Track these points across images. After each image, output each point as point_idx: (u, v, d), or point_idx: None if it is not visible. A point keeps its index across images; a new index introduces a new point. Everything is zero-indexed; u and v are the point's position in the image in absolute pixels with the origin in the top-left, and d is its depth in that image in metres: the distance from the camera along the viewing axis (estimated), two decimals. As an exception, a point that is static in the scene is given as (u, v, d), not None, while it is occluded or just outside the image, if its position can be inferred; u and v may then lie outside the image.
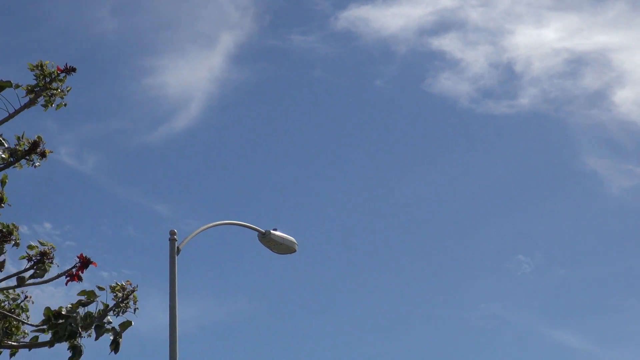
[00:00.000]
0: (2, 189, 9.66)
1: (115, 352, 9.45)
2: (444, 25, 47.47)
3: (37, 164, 9.23)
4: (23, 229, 9.75)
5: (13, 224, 9.68)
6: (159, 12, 47.72)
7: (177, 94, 47.00)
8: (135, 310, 9.53)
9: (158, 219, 44.22)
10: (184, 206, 45.75)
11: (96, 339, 9.45)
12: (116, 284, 9.71)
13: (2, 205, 9.67)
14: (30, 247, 9.51)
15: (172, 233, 18.95)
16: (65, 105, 9.13)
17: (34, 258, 9.56)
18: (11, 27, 45.85)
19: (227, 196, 46.54)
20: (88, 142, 45.31)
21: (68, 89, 9.09)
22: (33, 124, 9.33)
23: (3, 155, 9.27)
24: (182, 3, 48.10)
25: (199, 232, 19.58)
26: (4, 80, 8.89)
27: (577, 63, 47.32)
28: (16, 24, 45.93)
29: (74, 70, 9.01)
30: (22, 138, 9.21)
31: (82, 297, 9.64)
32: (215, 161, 47.63)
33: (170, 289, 18.48)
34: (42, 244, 9.56)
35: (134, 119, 47.02)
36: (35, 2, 46.51)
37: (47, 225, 40.23)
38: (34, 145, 9.17)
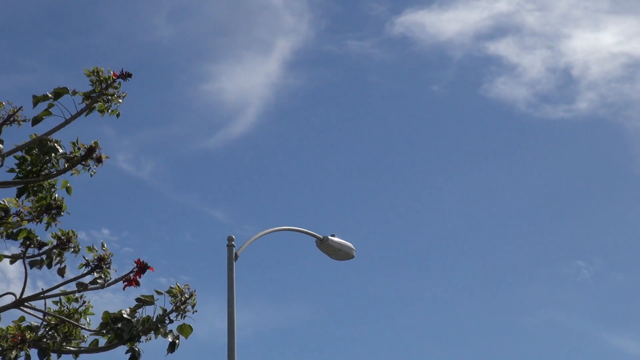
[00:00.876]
0: (61, 197, 9.74)
1: (171, 352, 9.48)
2: (500, 29, 47.30)
3: (93, 170, 9.28)
4: (81, 236, 9.84)
5: (72, 231, 9.77)
6: (214, 18, 47.99)
7: (234, 100, 47.20)
8: (194, 312, 9.54)
9: (215, 225, 44.41)
10: (241, 212, 45.92)
11: (155, 337, 9.48)
12: (176, 286, 9.76)
13: (62, 213, 9.75)
14: (89, 249, 9.58)
15: (230, 239, 19.00)
16: (118, 114, 9.18)
17: (91, 263, 9.63)
18: (67, 33, 46.39)
19: (284, 202, 46.62)
20: (145, 148, 45.66)
21: (124, 94, 9.14)
22: (90, 130, 9.41)
23: (62, 163, 9.35)
24: (238, 9, 48.35)
25: (257, 238, 19.62)
26: (61, 87, 8.97)
27: (635, 67, 46.85)
28: (72, 30, 46.47)
29: (129, 75, 9.06)
30: (77, 143, 9.27)
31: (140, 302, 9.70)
32: (272, 167, 47.75)
33: (228, 294, 18.52)
34: (102, 248, 9.63)
35: (191, 125, 47.30)
36: (91, 9, 47.00)
37: (105, 231, 40.54)
38: (90, 150, 9.22)
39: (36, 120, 9.04)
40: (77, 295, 9.80)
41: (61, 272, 9.76)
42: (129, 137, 44.79)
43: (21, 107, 9.08)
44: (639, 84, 47.14)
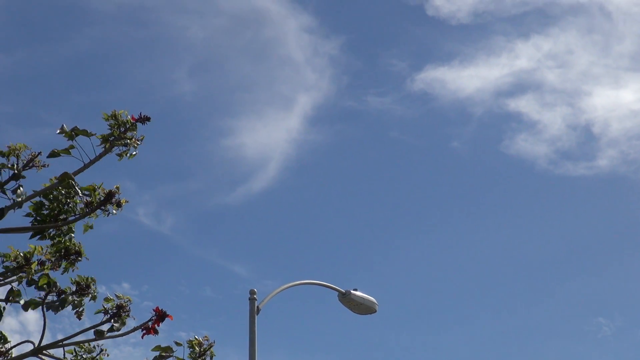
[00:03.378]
0: (80, 243, 9.64)
1: None
2: (520, 86, 47.31)
3: (113, 212, 9.18)
4: (102, 289, 9.72)
5: (91, 278, 9.66)
6: (236, 73, 48.22)
7: (255, 155, 47.28)
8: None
9: (236, 280, 44.28)
10: (262, 267, 45.78)
11: None
12: (194, 338, 9.60)
13: (80, 258, 9.65)
14: (107, 299, 9.45)
15: (252, 292, 18.84)
16: (134, 155, 9.09)
17: (110, 311, 9.51)
18: (89, 87, 46.67)
19: (305, 257, 46.49)
20: (166, 203, 45.70)
21: (142, 137, 9.05)
22: (110, 183, 9.32)
23: (81, 205, 9.26)
24: (260, 65, 48.57)
25: (280, 292, 19.44)
26: (79, 128, 8.89)
27: (655, 124, 46.68)
28: (94, 84, 46.75)
29: (148, 119, 8.98)
30: (99, 188, 9.18)
31: (158, 353, 9.55)
32: (293, 222, 47.66)
33: (249, 348, 18.32)
34: (118, 297, 9.51)
35: (211, 180, 47.37)
36: (113, 63, 47.31)
37: (126, 285, 40.47)
38: (110, 195, 9.13)
39: (53, 154, 8.94)
40: (93, 344, 9.67)
41: (79, 315, 9.63)
42: (149, 191, 44.85)
43: (40, 152, 9.00)
44: (660, 140, 46.98)
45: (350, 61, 47.55)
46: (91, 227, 9.40)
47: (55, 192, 9.13)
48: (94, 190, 9.14)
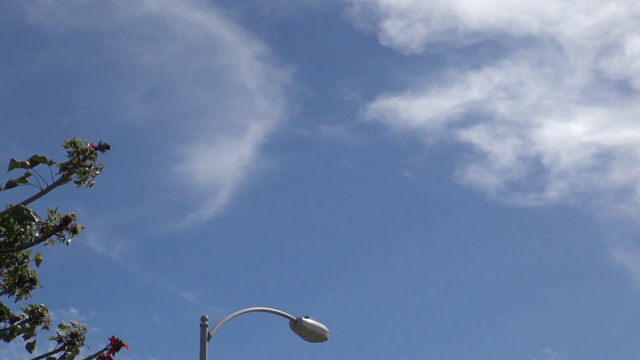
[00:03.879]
0: (34, 270, 9.56)
1: None
2: (471, 117, 47.60)
3: (68, 240, 9.11)
4: (49, 314, 9.64)
5: (43, 306, 9.57)
6: (189, 100, 48.14)
7: (206, 182, 47.12)
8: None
9: (185, 306, 44.03)
10: (211, 294, 45.56)
11: None
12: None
13: (34, 286, 9.57)
14: (61, 326, 9.37)
15: (204, 319, 18.74)
16: (92, 184, 9.03)
17: (64, 339, 9.43)
18: (42, 112, 46.35)
19: (255, 284, 46.34)
20: (116, 228, 45.38)
21: (101, 166, 9.00)
22: (62, 209, 9.23)
23: (36, 234, 9.19)
24: (213, 92, 48.53)
25: (231, 318, 19.36)
26: (39, 155, 8.82)
27: (604, 157, 47.21)
28: (47, 109, 46.46)
29: (107, 147, 8.93)
30: (54, 213, 9.11)
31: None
32: (243, 249, 47.55)
33: (200, 376, 18.22)
34: (74, 325, 9.43)
35: (162, 206, 47.13)
36: (67, 87, 47.04)
37: (74, 310, 40.08)
38: (66, 220, 9.06)
39: (10, 185, 8.87)
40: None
41: (30, 347, 9.53)
42: (100, 217, 44.49)
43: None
44: (609, 174, 47.49)
45: (303, 90, 47.67)
46: (41, 260, 9.35)
47: (11, 219, 9.05)
48: (51, 213, 9.09)
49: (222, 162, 47.40)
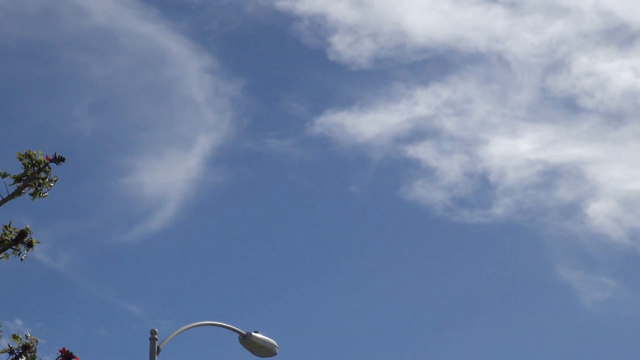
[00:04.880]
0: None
1: None
2: (419, 133, 47.90)
3: (23, 255, 9.12)
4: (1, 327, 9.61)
5: (-7, 318, 9.55)
6: (137, 112, 48.01)
7: (153, 195, 46.99)
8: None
9: (131, 319, 43.82)
10: (157, 307, 45.38)
11: None
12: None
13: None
14: (14, 336, 9.36)
15: (153, 332, 18.71)
16: (46, 196, 9.06)
17: (15, 352, 9.41)
18: (-10, 125, 45.99)
19: (203, 298, 46.25)
20: (63, 240, 45.09)
21: (55, 178, 9.04)
22: (7, 220, 9.23)
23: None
24: (161, 104, 48.46)
25: (180, 332, 19.35)
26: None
27: (551, 175, 47.73)
28: (-5, 121, 46.09)
29: (62, 160, 8.97)
30: (10, 227, 9.12)
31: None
32: (191, 263, 47.44)
33: (149, 389, 18.18)
34: (27, 337, 9.42)
35: (109, 218, 46.91)
36: (14, 99, 46.72)
37: (19, 322, 39.70)
38: (22, 234, 9.07)
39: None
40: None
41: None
42: (46, 228, 44.17)
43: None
44: (555, 191, 48.00)
45: (251, 103, 47.77)
46: None
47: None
48: (6, 228, 9.09)
49: (169, 175, 47.35)
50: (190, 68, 47.32)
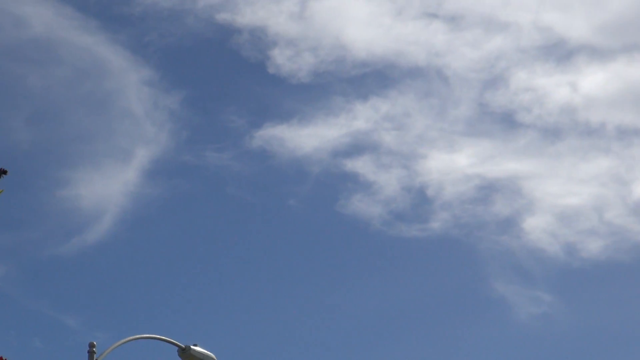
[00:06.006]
0: None
1: None
2: (357, 147, 48.16)
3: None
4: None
5: None
6: (75, 124, 47.71)
7: (91, 207, 46.68)
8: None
9: (67, 332, 43.48)
10: (94, 319, 45.04)
11: None
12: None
13: None
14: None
15: (92, 345, 18.56)
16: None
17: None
18: None
19: (140, 310, 46.03)
20: (-1, 252, 44.61)
21: (1, 191, 8.98)
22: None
23: None
24: (99, 117, 48.19)
25: (119, 345, 19.22)
26: None
27: (488, 189, 48.19)
28: None
29: (5, 172, 8.91)
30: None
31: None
32: (128, 275, 47.18)
33: (87, 403, 18.04)
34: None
35: (46, 230, 46.52)
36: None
37: (-48, 332, 39.31)
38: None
39: None
40: None
41: None
42: (-19, 240, 43.74)
43: None
44: (492, 206, 48.46)
45: (190, 116, 47.71)
46: None
47: None
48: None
49: (107, 187, 47.07)
50: (129, 80, 47.18)
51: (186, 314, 46.53)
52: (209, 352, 20.93)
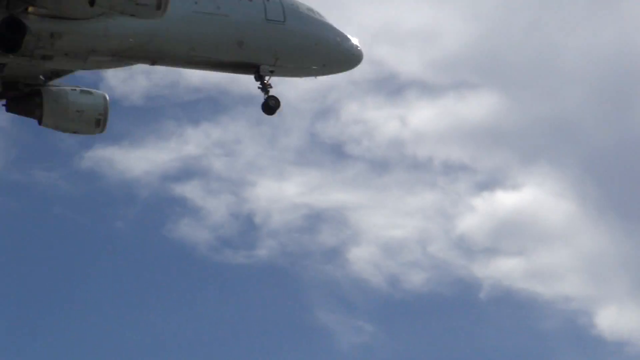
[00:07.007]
0: None
1: None
2: (187, 172, 48.21)
3: None
4: None
5: None
6: None
7: None
8: None
9: None
10: None
11: None
12: None
13: None
14: None
15: None
16: None
17: None
18: None
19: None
20: None
21: None
22: None
23: None
24: None
25: None
26: None
27: (314, 219, 49.17)
28: None
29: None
30: None
31: None
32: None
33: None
34: None
35: None
36: None
37: None
38: None
39: None
40: None
41: None
42: None
43: None
44: (318, 235, 49.41)
45: (20, 134, 46.55)
46: None
47: None
48: None
49: None
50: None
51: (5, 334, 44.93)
52: None
